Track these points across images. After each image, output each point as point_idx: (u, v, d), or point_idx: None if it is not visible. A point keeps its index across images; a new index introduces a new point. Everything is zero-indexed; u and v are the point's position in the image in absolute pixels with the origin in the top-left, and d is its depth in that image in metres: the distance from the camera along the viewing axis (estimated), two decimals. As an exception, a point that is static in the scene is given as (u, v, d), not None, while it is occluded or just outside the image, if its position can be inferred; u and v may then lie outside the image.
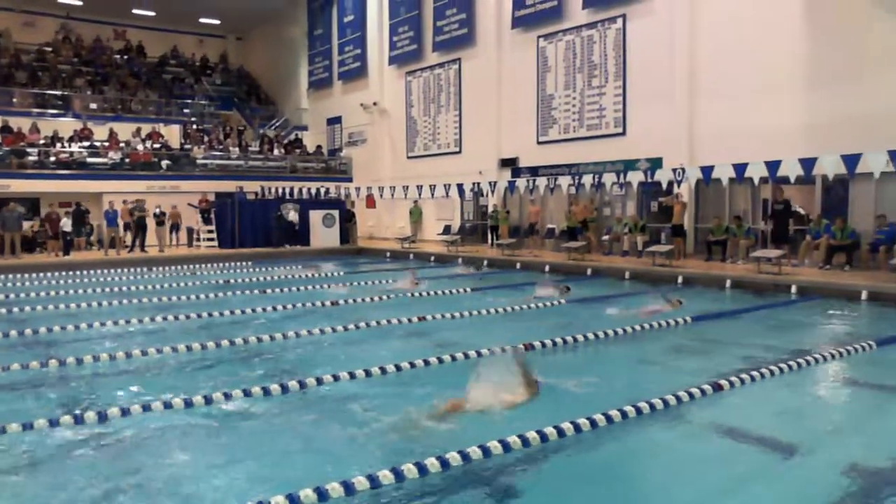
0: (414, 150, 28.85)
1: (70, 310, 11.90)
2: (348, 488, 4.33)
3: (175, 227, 24.64)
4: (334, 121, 33.73)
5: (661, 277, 15.22)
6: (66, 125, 27.67)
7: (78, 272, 17.64)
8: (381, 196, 24.86)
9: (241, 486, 4.61)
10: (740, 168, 14.99)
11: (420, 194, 22.57)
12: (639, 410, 5.86)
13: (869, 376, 7.46)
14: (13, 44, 32.50)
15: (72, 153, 25.55)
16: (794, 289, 13.07)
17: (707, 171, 15.74)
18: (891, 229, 14.41)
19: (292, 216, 24.43)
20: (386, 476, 4.48)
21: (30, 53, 32.67)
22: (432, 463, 4.67)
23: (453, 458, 4.76)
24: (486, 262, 19.45)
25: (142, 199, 22.48)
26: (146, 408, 6.04)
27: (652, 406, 5.97)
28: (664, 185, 17.55)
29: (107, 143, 26.84)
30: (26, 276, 16.79)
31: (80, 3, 33.52)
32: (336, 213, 25.32)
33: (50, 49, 33.59)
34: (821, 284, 13.10)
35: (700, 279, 14.67)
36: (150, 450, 5.29)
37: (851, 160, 13.18)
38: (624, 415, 5.75)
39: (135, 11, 34.70)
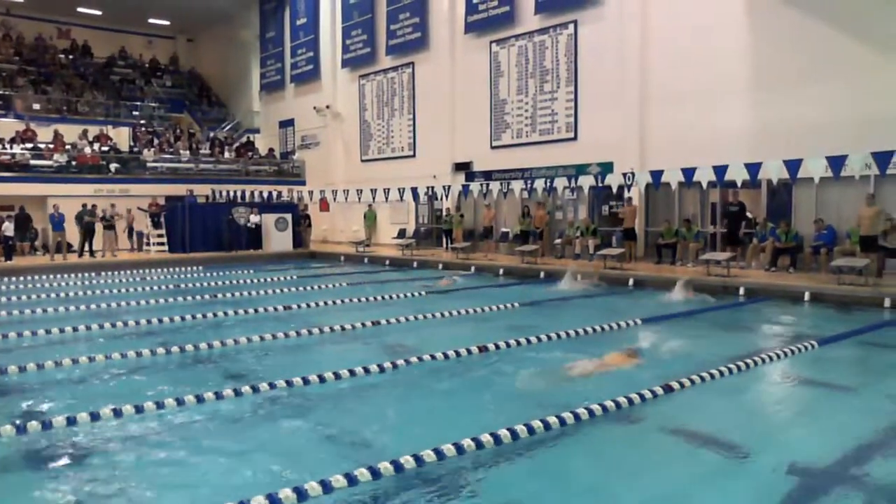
0: (368, 153, 28.76)
1: (13, 316, 11.56)
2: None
3: (130, 230, 24.25)
4: (287, 123, 33.42)
5: (612, 279, 15.46)
6: (8, 126, 26.80)
7: (21, 278, 17.15)
8: (335, 199, 24.74)
9: (195, 494, 4.56)
10: (689, 172, 15.33)
11: (374, 198, 22.51)
12: (591, 412, 5.94)
13: (811, 375, 7.68)
14: (-50, 41, 31.45)
15: (14, 155, 24.78)
16: (741, 290, 13.41)
17: (657, 175, 16.06)
18: (828, 232, 14.91)
19: (253, 219, 24.16)
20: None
21: (-33, 51, 31.66)
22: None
23: (406, 461, 4.78)
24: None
25: (95, 204, 22.05)
26: (94, 416, 5.91)
27: (604, 408, 6.06)
28: (614, 190, 17.82)
29: (52, 146, 26.12)
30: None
31: (21, 0, 32.56)
32: (289, 216, 25.08)
33: (-12, 47, 32.58)
34: (767, 286, 13.49)
35: (651, 282, 14.94)
36: (97, 459, 5.18)
37: (793, 165, 13.62)
38: (577, 417, 5.83)
39: (80, 10, 33.81)
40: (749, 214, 17.29)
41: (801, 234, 15.55)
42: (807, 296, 12.63)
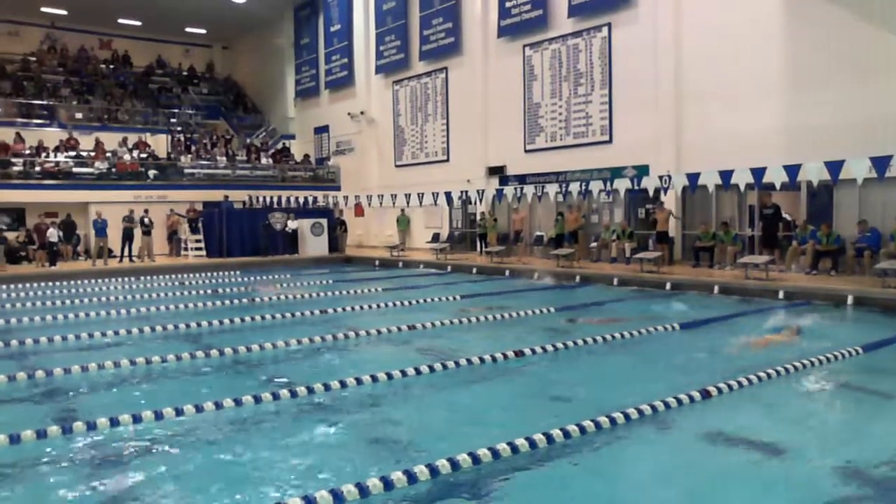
0: (402, 158, 28.89)
1: (57, 321, 11.83)
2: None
3: (171, 235, 24.83)
4: (322, 130, 33.71)
5: (649, 284, 15.29)
6: (52, 135, 27.47)
7: (65, 282, 17.53)
8: (370, 204, 24.87)
9: (233, 495, 4.61)
10: (726, 175, 15.11)
11: (408, 202, 22.58)
12: (627, 417, 5.89)
13: (855, 381, 7.51)
14: (-3, 54, 32.32)
15: (57, 163, 25.38)
16: (781, 294, 13.16)
17: (693, 178, 15.86)
18: (872, 234, 14.56)
19: (291, 225, 24.41)
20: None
21: (14, 63, 32.45)
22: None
23: (442, 465, 4.78)
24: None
25: (147, 209, 22.62)
26: (136, 418, 6.02)
27: (641, 412, 5.99)
28: (651, 193, 17.64)
29: (93, 153, 26.70)
30: (12, 287, 16.65)
31: (66, 13, 33.37)
32: (324, 221, 25.31)
33: (34, 59, 33.41)
34: (808, 289, 13.20)
35: (688, 285, 14.75)
36: (139, 459, 5.27)
37: (835, 167, 13.30)
38: (612, 421, 5.78)
39: (120, 21, 34.58)
40: (787, 216, 16.99)
41: (843, 237, 15.22)
42: (850, 299, 12.33)
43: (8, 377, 7.56)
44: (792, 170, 13.92)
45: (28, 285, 16.87)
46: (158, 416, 6.10)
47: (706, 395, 6.55)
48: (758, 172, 14.46)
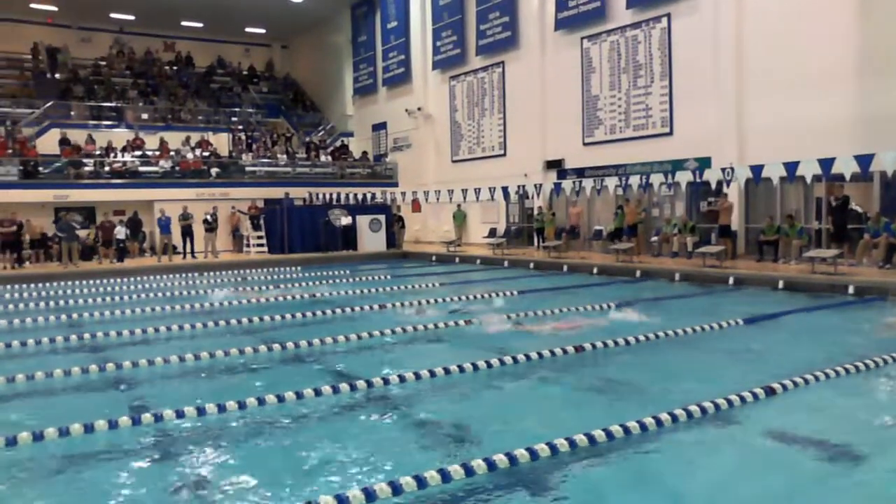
0: (458, 153, 28.91)
1: (125, 315, 12.23)
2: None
3: (235, 232, 25.60)
4: (379, 126, 33.98)
5: (712, 279, 14.96)
6: (120, 136, 28.44)
7: (132, 278, 18.10)
8: (427, 200, 24.93)
9: (295, 486, 4.69)
10: (791, 166, 14.67)
11: (465, 198, 22.58)
12: (689, 414, 5.77)
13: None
14: (71, 59, 33.55)
15: (125, 163, 26.23)
16: (851, 289, 12.68)
17: (757, 169, 15.44)
18: (952, 226, 13.92)
19: (344, 221, 24.69)
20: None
21: (86, 68, 33.76)
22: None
23: (501, 459, 4.77)
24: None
25: (186, 206, 23.24)
26: (201, 410, 6.17)
27: (703, 409, 5.86)
28: (713, 185, 17.23)
29: (158, 153, 27.52)
30: (83, 282, 17.28)
31: (133, 18, 34.45)
32: (382, 217, 25.52)
33: (105, 63, 34.64)
34: (881, 284, 12.69)
35: (752, 280, 14.37)
36: (203, 451, 5.39)
37: (911, 156, 12.78)
38: (674, 418, 5.68)
39: (183, 23, 35.51)
40: (858, 208, 16.36)
41: (921, 229, 14.60)
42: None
43: (82, 369, 7.87)
44: (864, 159, 13.41)
45: (98, 281, 17.49)
46: (222, 408, 6.24)
47: (770, 391, 6.38)
48: (826, 163, 13.99)
